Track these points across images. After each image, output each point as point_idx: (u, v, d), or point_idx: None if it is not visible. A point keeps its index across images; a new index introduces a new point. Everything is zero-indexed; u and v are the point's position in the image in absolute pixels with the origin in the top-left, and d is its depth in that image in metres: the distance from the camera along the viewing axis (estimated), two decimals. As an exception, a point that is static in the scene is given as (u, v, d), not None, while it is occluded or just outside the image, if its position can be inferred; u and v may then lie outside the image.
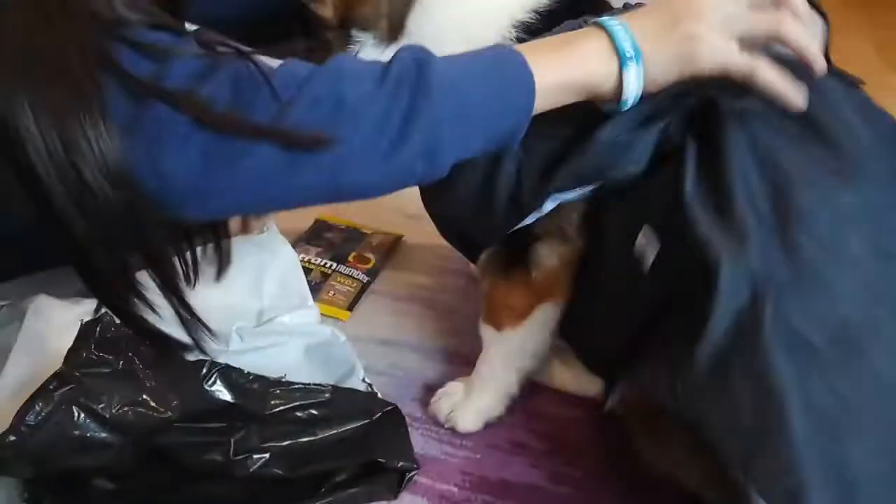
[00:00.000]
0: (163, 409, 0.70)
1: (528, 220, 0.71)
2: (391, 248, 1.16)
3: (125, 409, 0.68)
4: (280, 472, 0.72)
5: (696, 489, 0.69)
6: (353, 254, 1.14)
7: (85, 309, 0.86)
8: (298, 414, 0.77)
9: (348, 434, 0.77)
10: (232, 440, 0.71)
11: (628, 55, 0.62)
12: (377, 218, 1.22)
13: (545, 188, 0.68)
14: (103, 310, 0.71)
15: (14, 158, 0.54)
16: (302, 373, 0.83)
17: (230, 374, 0.76)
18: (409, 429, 0.80)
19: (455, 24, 0.73)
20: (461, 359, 0.90)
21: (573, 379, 0.88)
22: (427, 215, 0.82)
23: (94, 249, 0.59)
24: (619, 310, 0.73)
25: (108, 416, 0.67)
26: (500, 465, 0.81)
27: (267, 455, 0.72)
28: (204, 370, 0.74)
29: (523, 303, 0.78)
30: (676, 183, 0.63)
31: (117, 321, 0.68)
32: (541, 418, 0.86)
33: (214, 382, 0.74)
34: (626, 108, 0.65)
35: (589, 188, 0.69)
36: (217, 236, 0.84)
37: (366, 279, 1.09)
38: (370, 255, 1.14)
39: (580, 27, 0.67)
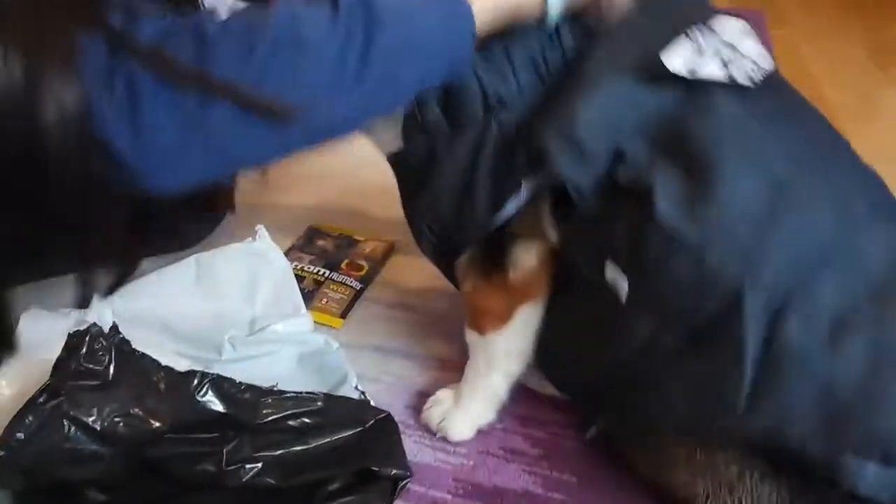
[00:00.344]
0: (153, 421, 0.70)
1: (508, 208, 0.72)
2: (384, 256, 1.16)
3: (116, 420, 0.68)
4: (273, 481, 0.72)
5: (683, 491, 0.70)
6: (345, 261, 1.14)
7: (76, 321, 0.86)
8: (291, 423, 0.77)
9: (341, 442, 0.76)
10: (224, 450, 0.71)
11: None
12: (370, 225, 1.22)
13: (518, 171, 0.70)
14: (92, 321, 0.71)
15: None
16: (295, 381, 0.83)
17: (221, 385, 0.76)
18: (403, 436, 0.80)
19: None
20: (455, 366, 0.90)
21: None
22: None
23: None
24: (601, 338, 0.72)
25: (98, 427, 0.67)
26: (494, 471, 0.81)
27: (259, 465, 0.72)
28: (195, 381, 0.74)
29: (504, 305, 0.79)
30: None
31: (106, 333, 0.68)
32: (534, 425, 0.86)
33: (206, 393, 0.74)
34: (552, 21, 0.70)
35: (549, 177, 0.70)
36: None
37: (359, 286, 1.09)
38: (363, 263, 1.14)
39: None
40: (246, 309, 0.96)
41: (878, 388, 0.60)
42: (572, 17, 0.72)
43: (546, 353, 0.81)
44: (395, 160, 0.81)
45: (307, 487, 0.72)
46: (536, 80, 0.72)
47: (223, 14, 0.64)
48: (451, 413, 0.84)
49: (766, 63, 0.73)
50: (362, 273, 1.12)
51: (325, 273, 1.11)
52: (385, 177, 0.84)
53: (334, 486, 0.72)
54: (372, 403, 0.83)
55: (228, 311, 0.95)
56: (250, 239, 1.03)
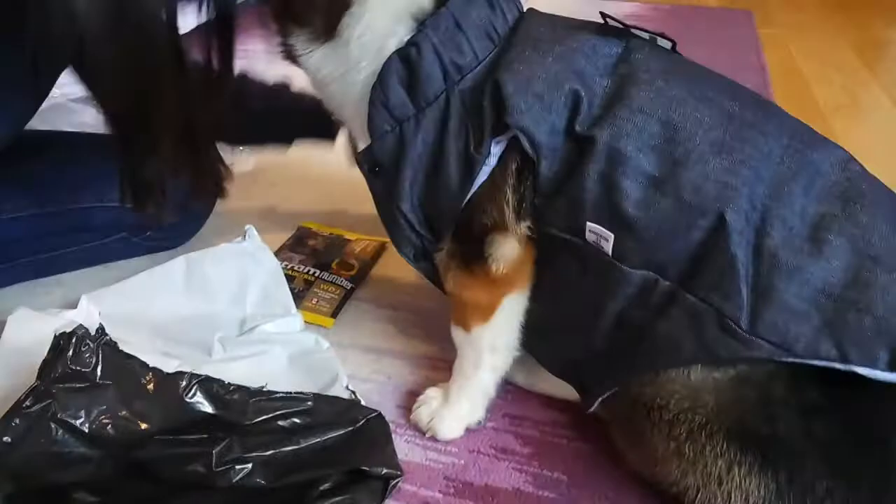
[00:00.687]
0: (142, 423, 0.69)
1: (480, 176, 0.74)
2: (375, 255, 1.16)
3: (104, 422, 0.68)
4: (263, 482, 0.72)
5: (673, 486, 0.71)
6: (336, 261, 1.14)
7: (65, 321, 0.86)
8: (281, 423, 0.77)
9: (332, 442, 0.76)
10: (214, 451, 0.71)
11: None
12: (360, 224, 1.21)
13: (485, 133, 0.73)
14: (79, 322, 0.71)
15: None
16: (285, 381, 0.82)
17: (210, 386, 0.75)
18: (394, 435, 0.80)
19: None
20: (445, 365, 0.90)
21: (556, 384, 0.88)
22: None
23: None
24: (591, 302, 0.74)
25: (86, 430, 0.67)
26: (485, 470, 0.81)
27: (249, 465, 0.72)
28: (184, 382, 0.73)
29: (488, 298, 0.79)
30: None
31: (92, 335, 0.68)
32: (525, 423, 0.86)
33: (195, 394, 0.74)
34: None
35: (512, 132, 0.72)
36: None
37: (349, 286, 1.09)
38: (354, 262, 1.14)
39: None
40: (236, 309, 0.96)
41: (865, 278, 0.63)
42: None
43: (536, 332, 0.82)
44: (366, 163, 0.81)
45: (298, 488, 0.72)
46: (490, 46, 0.76)
47: None
48: (440, 412, 0.84)
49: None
50: (353, 272, 1.12)
51: (315, 273, 1.10)
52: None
53: (325, 486, 0.72)
54: (363, 403, 0.83)
55: (218, 312, 0.95)
56: (240, 239, 1.02)
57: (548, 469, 0.81)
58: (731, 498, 0.66)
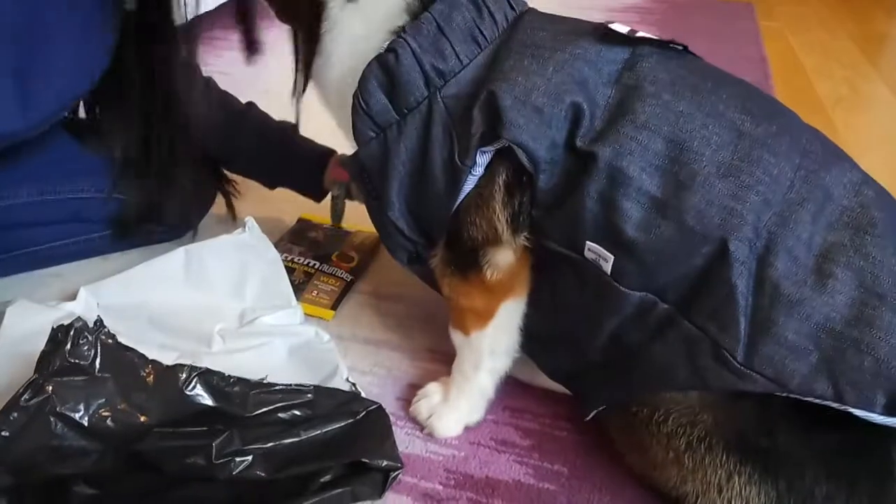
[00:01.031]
0: (141, 415, 0.69)
1: (468, 184, 0.72)
2: (375, 247, 1.16)
3: (103, 415, 0.67)
4: (263, 474, 0.72)
5: (672, 490, 0.71)
6: (336, 253, 1.13)
7: (64, 314, 0.85)
8: (281, 415, 0.76)
9: (332, 434, 0.76)
10: (214, 444, 0.71)
11: None
12: (360, 216, 1.21)
13: (471, 142, 0.70)
14: (77, 315, 0.70)
15: None
16: (285, 373, 0.82)
17: (210, 378, 0.75)
18: (394, 428, 0.80)
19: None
20: (446, 357, 0.90)
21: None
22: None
23: None
24: (587, 317, 0.73)
25: (85, 423, 0.66)
26: (485, 462, 0.81)
27: (250, 458, 0.72)
28: (183, 374, 0.73)
29: (485, 304, 0.78)
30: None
31: (91, 326, 0.67)
32: (525, 416, 0.86)
33: (194, 387, 0.73)
34: None
35: (503, 143, 0.69)
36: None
37: (349, 278, 1.08)
38: (353, 254, 1.14)
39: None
40: (235, 301, 0.96)
41: (869, 316, 0.61)
42: None
43: (533, 340, 0.81)
44: (356, 170, 0.81)
45: (298, 480, 0.72)
46: (476, 50, 0.73)
47: None
48: (439, 410, 0.84)
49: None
50: (353, 264, 1.11)
51: (315, 265, 1.10)
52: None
53: (325, 478, 0.72)
54: (363, 395, 0.83)
55: (217, 304, 0.95)
56: (239, 230, 1.02)
57: (548, 461, 0.81)
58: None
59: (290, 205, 1.23)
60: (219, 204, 1.18)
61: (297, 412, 0.77)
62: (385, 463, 0.74)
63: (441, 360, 0.92)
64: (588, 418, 0.78)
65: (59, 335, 0.69)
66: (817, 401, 0.62)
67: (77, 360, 0.69)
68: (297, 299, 0.99)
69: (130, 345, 0.74)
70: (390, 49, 0.73)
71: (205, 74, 1.12)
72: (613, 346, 0.72)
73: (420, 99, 0.73)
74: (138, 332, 0.86)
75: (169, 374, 0.73)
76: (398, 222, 0.78)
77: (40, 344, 0.71)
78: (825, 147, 0.70)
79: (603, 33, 0.72)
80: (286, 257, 1.10)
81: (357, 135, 0.77)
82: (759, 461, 0.65)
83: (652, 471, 0.72)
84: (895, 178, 0.73)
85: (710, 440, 0.66)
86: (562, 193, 0.70)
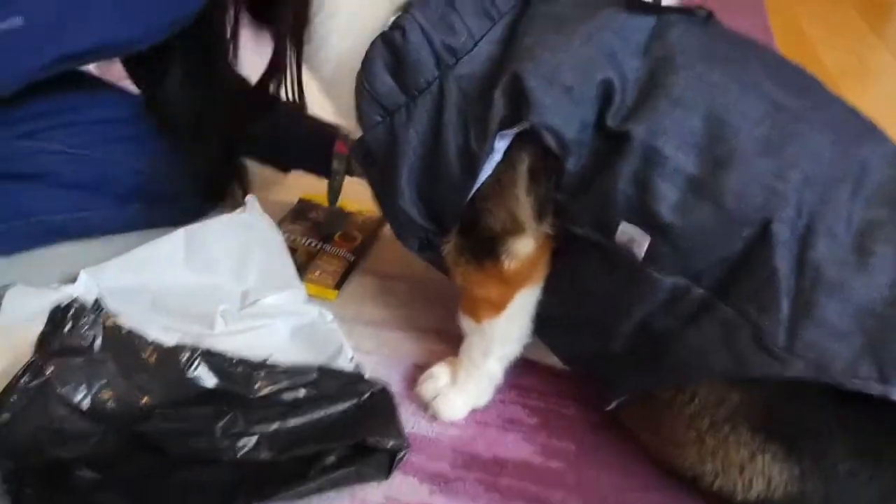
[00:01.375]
0: (143, 397, 0.68)
1: (485, 171, 0.68)
2: (377, 227, 1.14)
3: (104, 398, 0.66)
4: (268, 456, 0.71)
5: (689, 470, 0.69)
6: (339, 233, 1.12)
7: (64, 296, 0.84)
8: (285, 396, 0.76)
9: (337, 415, 0.75)
10: (217, 426, 0.70)
11: None
12: (362, 196, 1.19)
13: (490, 126, 0.66)
14: (75, 296, 0.69)
15: None
16: (289, 354, 0.81)
17: (213, 359, 0.74)
18: (400, 408, 0.79)
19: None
20: (450, 337, 0.89)
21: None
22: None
23: None
24: (614, 304, 0.70)
25: (86, 405, 0.66)
26: (492, 441, 0.80)
27: (254, 439, 0.71)
28: (185, 355, 0.72)
29: (499, 294, 0.76)
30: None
31: (89, 308, 0.66)
32: (532, 394, 0.85)
33: (197, 368, 0.72)
34: None
35: (524, 126, 0.66)
36: None
37: (352, 258, 1.07)
38: (356, 234, 1.12)
39: None
40: (237, 282, 0.94)
41: None
42: None
43: (551, 326, 0.79)
44: (360, 155, 0.78)
45: (303, 461, 0.71)
46: (488, 24, 0.69)
47: None
48: (446, 392, 0.82)
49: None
50: (356, 244, 1.10)
51: (318, 245, 1.09)
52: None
53: (330, 459, 0.71)
54: (367, 376, 0.82)
55: (219, 285, 0.93)
56: (240, 209, 1.01)
57: (556, 440, 0.80)
58: (752, 483, 0.64)
59: (292, 185, 1.21)
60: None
61: (301, 393, 0.76)
62: (391, 443, 0.73)
63: (447, 340, 0.91)
64: (609, 408, 0.76)
65: (58, 316, 0.68)
66: (860, 383, 0.59)
67: (77, 342, 0.68)
68: (301, 279, 0.97)
69: (132, 327, 0.73)
70: (396, 26, 0.69)
71: None
72: (640, 334, 0.69)
73: (430, 79, 0.69)
74: (140, 315, 0.84)
75: (171, 355, 0.72)
76: (408, 210, 0.74)
77: (40, 327, 0.70)
78: (856, 120, 0.68)
79: (626, 1, 0.68)
80: (288, 237, 1.08)
81: (362, 119, 0.73)
82: (787, 439, 0.63)
83: (670, 449, 0.71)
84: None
85: (736, 419, 0.64)
86: (590, 175, 0.66)
